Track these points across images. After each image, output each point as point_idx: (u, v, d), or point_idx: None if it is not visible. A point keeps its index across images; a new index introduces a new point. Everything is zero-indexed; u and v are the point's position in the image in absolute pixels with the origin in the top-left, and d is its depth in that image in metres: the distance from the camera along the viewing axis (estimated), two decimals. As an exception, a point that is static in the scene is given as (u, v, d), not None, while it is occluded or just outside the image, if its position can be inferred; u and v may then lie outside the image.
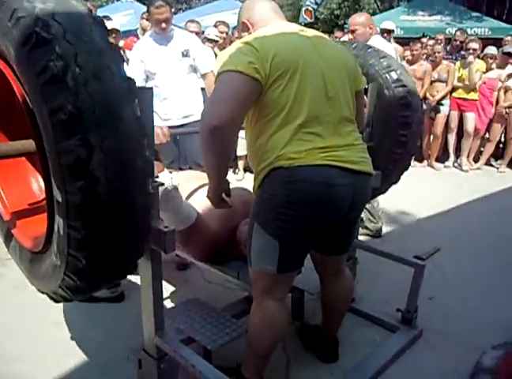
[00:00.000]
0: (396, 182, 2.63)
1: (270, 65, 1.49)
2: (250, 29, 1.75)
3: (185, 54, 3.25)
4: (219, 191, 1.72)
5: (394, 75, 2.39)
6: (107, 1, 19.58)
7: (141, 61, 3.16)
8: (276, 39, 1.57)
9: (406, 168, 2.60)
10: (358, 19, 3.53)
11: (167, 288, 2.78)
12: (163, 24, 3.11)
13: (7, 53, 1.25)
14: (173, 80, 3.23)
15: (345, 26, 11.47)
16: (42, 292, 1.55)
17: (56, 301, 1.51)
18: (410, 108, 2.38)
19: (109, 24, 3.98)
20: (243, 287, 2.13)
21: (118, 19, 9.33)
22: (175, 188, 1.83)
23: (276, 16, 1.76)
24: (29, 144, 1.40)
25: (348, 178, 1.58)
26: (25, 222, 1.69)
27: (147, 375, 1.84)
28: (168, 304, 2.62)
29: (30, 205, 1.78)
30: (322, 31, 1.86)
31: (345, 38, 6.06)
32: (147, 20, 4.82)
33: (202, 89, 3.50)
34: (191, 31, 4.54)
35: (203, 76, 3.38)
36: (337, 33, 7.76)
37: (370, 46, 2.65)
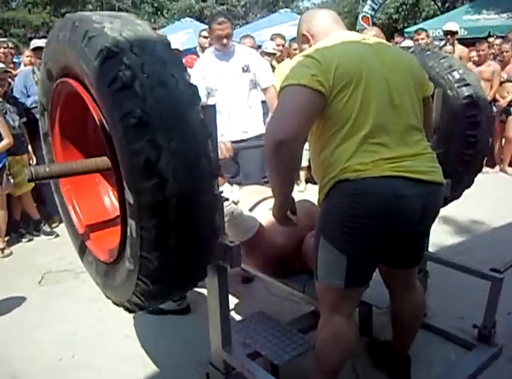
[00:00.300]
0: (469, 186, 2.52)
1: (333, 76, 1.46)
2: (311, 41, 1.73)
3: (245, 70, 3.27)
4: (284, 209, 1.71)
5: (457, 75, 2.31)
6: (167, 22, 20.41)
7: (203, 78, 3.22)
8: (338, 50, 1.54)
9: (479, 171, 2.48)
10: (369, 33, 3.51)
11: (232, 301, 2.80)
12: (225, 40, 3.15)
13: (81, 73, 1.35)
14: (233, 95, 3.25)
15: (405, 30, 11.17)
16: (117, 304, 1.60)
17: (131, 311, 1.55)
18: (477, 107, 2.29)
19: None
20: (309, 301, 2.10)
21: (179, 37, 9.67)
22: (234, 201, 1.86)
23: (337, 26, 1.73)
24: (104, 161, 1.48)
25: (417, 189, 1.52)
26: (100, 235, 1.77)
27: (215, 389, 1.85)
28: (233, 317, 2.63)
29: (104, 220, 1.86)
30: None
31: (405, 43, 5.91)
32: (205, 37, 4.94)
33: (262, 102, 3.53)
34: None
35: (264, 90, 3.39)
36: (397, 38, 7.57)
37: (428, 49, 2.59)
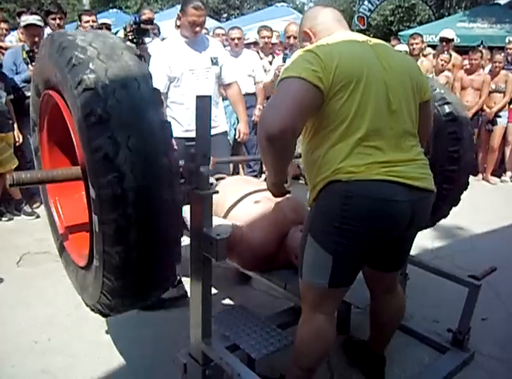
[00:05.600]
0: (456, 204, 2.58)
1: (333, 75, 1.45)
2: (312, 39, 1.72)
3: (214, 62, 3.11)
4: (280, 184, 1.74)
5: (437, 94, 2.38)
6: (161, 8, 20.14)
7: (168, 67, 2.96)
8: (339, 49, 1.53)
9: (465, 188, 2.53)
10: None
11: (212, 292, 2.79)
12: (198, 28, 2.97)
13: (57, 81, 1.48)
14: (201, 88, 3.00)
15: (400, 33, 11.21)
16: (93, 310, 1.64)
17: (104, 314, 1.60)
18: (458, 124, 2.35)
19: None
20: (289, 298, 2.11)
21: (172, 23, 9.56)
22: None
23: (339, 25, 1.72)
24: (78, 170, 1.54)
25: (408, 195, 1.53)
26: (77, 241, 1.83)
27: (191, 380, 1.85)
28: (213, 308, 2.62)
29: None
30: (375, 38, 1.81)
31: (399, 47, 5.93)
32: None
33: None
34: (233, 39, 4.51)
35: (227, 86, 3.27)
36: (393, 41, 7.64)
37: None
